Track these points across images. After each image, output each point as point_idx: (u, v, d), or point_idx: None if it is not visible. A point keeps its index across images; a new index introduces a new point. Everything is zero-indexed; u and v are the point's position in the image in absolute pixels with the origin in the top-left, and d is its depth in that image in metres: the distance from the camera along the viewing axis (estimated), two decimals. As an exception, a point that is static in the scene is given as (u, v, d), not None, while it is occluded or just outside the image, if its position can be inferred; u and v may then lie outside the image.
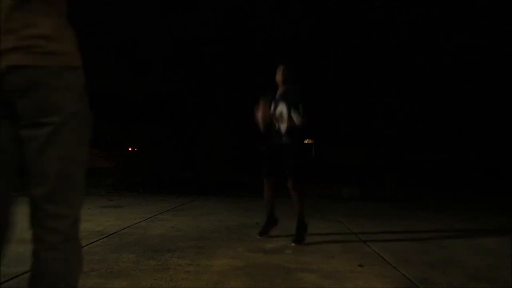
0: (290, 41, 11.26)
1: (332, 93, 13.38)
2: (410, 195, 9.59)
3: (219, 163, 11.73)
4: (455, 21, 10.58)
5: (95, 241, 3.54)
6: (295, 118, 3.80)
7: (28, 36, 1.07)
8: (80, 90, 1.17)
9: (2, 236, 1.19)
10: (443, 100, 13.21)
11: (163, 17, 9.22)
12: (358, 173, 13.01)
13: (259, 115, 3.91)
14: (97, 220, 4.61)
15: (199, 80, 11.90)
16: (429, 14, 10.49)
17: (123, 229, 4.16)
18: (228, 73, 11.63)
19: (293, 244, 3.70)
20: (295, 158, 3.84)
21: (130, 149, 12.81)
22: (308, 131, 3.94)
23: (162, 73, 11.20)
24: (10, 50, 1.06)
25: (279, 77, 4.02)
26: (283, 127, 3.89)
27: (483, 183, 12.17)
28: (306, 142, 14.96)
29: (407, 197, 9.19)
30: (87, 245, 3.34)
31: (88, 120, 1.20)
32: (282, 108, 3.89)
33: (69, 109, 1.12)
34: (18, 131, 1.11)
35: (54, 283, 1.15)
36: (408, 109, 13.14)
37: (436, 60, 11.78)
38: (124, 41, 9.60)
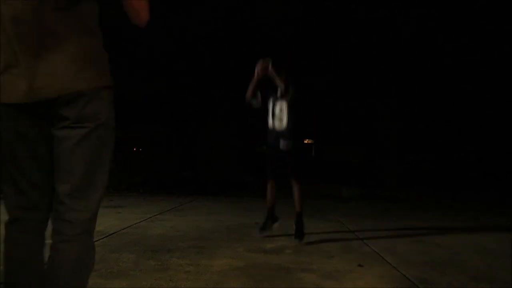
0: (290, 41, 11.25)
1: (332, 93, 13.37)
2: (410, 195, 9.59)
3: (219, 163, 11.75)
4: (455, 21, 10.57)
5: (95, 241, 3.52)
6: (295, 117, 3.85)
7: (73, 63, 1.23)
8: (111, 104, 1.36)
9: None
10: (443, 100, 13.20)
11: (163, 17, 9.21)
12: (358, 173, 13.02)
13: (259, 67, 3.75)
14: (97, 220, 4.61)
15: (199, 80, 11.90)
16: (429, 14, 10.48)
17: (123, 229, 4.16)
18: (228, 73, 11.63)
19: (296, 241, 3.73)
20: (295, 159, 3.91)
21: (134, 149, 12.82)
22: (307, 131, 3.96)
23: (162, 73, 11.20)
24: (57, 77, 1.20)
25: (270, 72, 3.79)
26: (279, 125, 3.91)
27: (483, 183, 12.17)
28: (305, 142, 14.96)
29: (407, 197, 9.19)
30: (87, 245, 3.34)
31: (113, 129, 1.38)
32: (282, 107, 3.91)
33: (101, 118, 1.30)
34: (53, 132, 1.26)
35: (68, 274, 1.24)
36: (408, 109, 13.13)
37: (436, 60, 11.76)
38: (124, 41, 9.59)
